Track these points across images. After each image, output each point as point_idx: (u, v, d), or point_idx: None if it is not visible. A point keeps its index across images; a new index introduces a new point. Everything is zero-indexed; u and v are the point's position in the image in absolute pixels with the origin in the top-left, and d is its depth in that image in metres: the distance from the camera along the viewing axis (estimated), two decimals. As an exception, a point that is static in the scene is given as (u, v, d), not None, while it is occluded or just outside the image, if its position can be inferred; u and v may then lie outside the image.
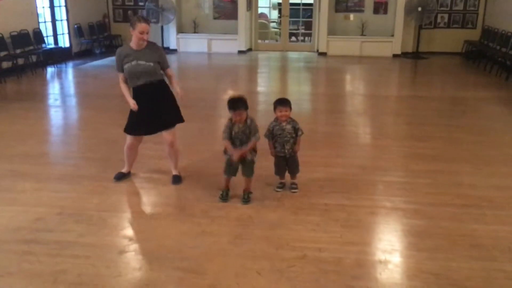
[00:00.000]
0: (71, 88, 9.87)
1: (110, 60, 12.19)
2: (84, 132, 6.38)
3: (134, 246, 3.40)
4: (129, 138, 4.44)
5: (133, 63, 4.16)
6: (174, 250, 3.33)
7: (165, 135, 4.43)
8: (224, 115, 7.45)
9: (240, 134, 3.96)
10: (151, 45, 4.30)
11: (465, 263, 3.17)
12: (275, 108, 4.20)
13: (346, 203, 4.06)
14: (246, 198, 4.08)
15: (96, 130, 6.28)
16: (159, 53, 4.33)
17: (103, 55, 13.14)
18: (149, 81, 4.21)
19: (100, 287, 2.93)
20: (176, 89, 4.40)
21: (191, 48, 14.14)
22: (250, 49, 14.54)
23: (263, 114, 7.59)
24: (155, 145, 5.17)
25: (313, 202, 4.06)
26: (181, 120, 4.52)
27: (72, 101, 8.65)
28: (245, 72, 12.04)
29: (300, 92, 9.44)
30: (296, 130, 4.20)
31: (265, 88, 9.99)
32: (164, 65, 4.37)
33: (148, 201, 4.22)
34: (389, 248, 3.37)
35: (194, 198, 4.18)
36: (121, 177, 4.54)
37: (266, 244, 3.41)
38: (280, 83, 10.80)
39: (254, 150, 4.03)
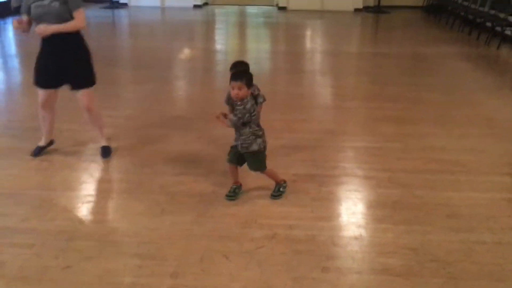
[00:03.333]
0: (12, 47, 9.05)
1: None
2: (26, 98, 5.79)
3: (85, 230, 3.03)
4: (39, 93, 3.89)
5: (36, 3, 3.54)
6: (130, 234, 2.99)
7: (78, 96, 3.86)
8: (180, 76, 7.02)
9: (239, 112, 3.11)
10: None
11: (443, 235, 3.00)
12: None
13: (316, 172, 3.81)
14: (276, 191, 3.42)
15: (40, 95, 5.71)
16: None
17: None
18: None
19: (46, 281, 2.58)
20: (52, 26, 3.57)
21: (143, 3, 13.29)
22: (206, 3, 13.83)
23: (222, 75, 7.19)
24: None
25: (281, 173, 3.76)
26: (92, 82, 3.87)
27: (14, 61, 7.91)
28: (201, 28, 11.44)
29: (259, 50, 9.02)
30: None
31: (223, 46, 9.50)
32: (72, 5, 3.59)
33: (100, 177, 3.80)
34: (364, 222, 3.16)
35: (151, 171, 3.81)
36: (38, 151, 4.04)
37: (232, 222, 3.12)
38: (238, 40, 10.32)
39: (258, 135, 3.24)
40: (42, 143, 4.08)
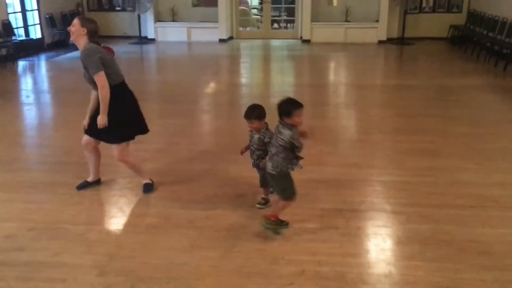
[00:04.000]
0: (44, 83, 9.39)
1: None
2: (59, 133, 5.98)
3: (115, 265, 3.07)
4: (83, 137, 4.03)
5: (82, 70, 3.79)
6: (160, 269, 3.02)
7: (112, 149, 3.94)
8: (206, 110, 7.14)
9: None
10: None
11: (475, 273, 2.93)
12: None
13: (343, 207, 3.79)
14: (264, 224, 3.34)
15: (72, 129, 5.84)
16: (81, 56, 3.68)
17: (78, 46, 12.60)
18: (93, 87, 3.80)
19: (77, 316, 2.62)
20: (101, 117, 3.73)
21: (170, 38, 13.69)
22: (231, 37, 14.13)
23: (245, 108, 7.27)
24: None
25: (309, 207, 3.78)
26: (114, 141, 3.88)
27: (46, 97, 8.19)
28: (227, 62, 11.66)
29: (284, 83, 9.13)
30: (264, 143, 3.51)
31: (248, 80, 9.66)
32: (91, 72, 3.62)
33: (130, 211, 3.86)
34: (393, 259, 3.12)
35: (179, 206, 3.86)
36: (84, 186, 4.14)
37: (260, 258, 3.12)
38: (263, 74, 10.47)
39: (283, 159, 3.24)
40: (90, 179, 4.20)
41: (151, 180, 4.18)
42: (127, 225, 3.66)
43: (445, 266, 3.00)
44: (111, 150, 3.96)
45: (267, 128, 3.58)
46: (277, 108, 3.25)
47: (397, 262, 3.09)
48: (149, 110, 6.96)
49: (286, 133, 3.17)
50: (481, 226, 3.48)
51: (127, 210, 3.87)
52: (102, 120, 3.73)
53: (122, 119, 3.83)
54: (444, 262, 3.04)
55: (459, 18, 12.90)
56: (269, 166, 3.29)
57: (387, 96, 7.78)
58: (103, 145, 4.06)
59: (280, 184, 3.34)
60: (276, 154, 3.24)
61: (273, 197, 3.65)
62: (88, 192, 4.12)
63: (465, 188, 4.09)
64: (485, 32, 11.17)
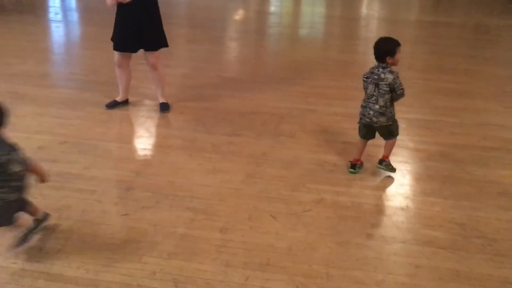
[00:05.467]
0: (72, 1, 9.31)
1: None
2: (87, 52, 6.03)
3: (142, 181, 3.21)
4: (115, 55, 4.10)
5: None
6: (184, 188, 3.14)
7: (148, 56, 4.09)
8: (234, 38, 7.05)
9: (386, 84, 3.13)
10: None
11: (492, 213, 2.98)
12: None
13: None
14: (384, 166, 3.36)
15: (100, 49, 5.91)
16: None
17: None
18: None
19: (105, 225, 2.77)
20: None
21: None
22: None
23: (275, 38, 7.18)
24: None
25: (331, 140, 3.82)
26: (165, 44, 4.15)
27: (74, 15, 8.17)
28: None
29: (314, 14, 8.88)
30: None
31: (278, 8, 9.39)
32: None
33: (156, 132, 3.98)
34: (412, 194, 3.18)
35: (205, 130, 3.94)
36: (113, 105, 4.25)
37: (281, 184, 3.22)
38: (294, 3, 10.16)
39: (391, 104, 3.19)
40: (118, 98, 4.29)
41: (167, 100, 4.32)
42: (154, 145, 3.78)
43: (462, 204, 3.05)
44: (145, 60, 4.08)
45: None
46: (377, 49, 3.11)
47: (415, 197, 3.15)
48: (176, 34, 6.94)
49: (389, 77, 3.10)
50: (503, 168, 3.48)
51: (154, 130, 3.97)
52: None
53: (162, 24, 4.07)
54: (462, 201, 3.09)
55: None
56: (382, 120, 3.18)
57: (421, 33, 7.54)
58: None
59: (393, 129, 3.28)
60: (385, 106, 3.14)
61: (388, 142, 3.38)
62: (117, 111, 4.22)
63: (491, 131, 4.06)
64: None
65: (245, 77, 5.23)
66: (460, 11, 9.12)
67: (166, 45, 4.16)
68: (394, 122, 3.28)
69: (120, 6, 3.85)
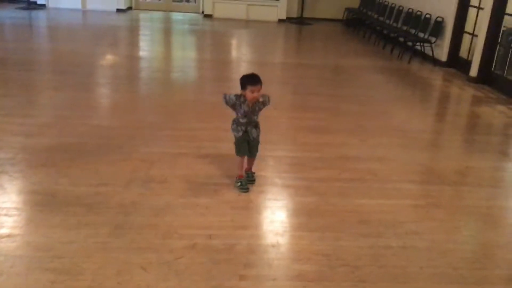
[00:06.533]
0: None
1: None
2: None
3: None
4: None
5: None
6: (43, 248, 2.88)
7: None
8: (101, 83, 6.83)
9: (250, 113, 3.62)
10: None
11: (354, 241, 3.18)
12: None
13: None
14: (252, 177, 3.86)
15: None
16: None
17: None
18: None
19: None
20: None
21: (62, 4, 12.80)
22: (130, 8, 13.58)
23: (145, 81, 7.13)
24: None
25: (202, 182, 3.82)
26: None
27: None
28: (125, 33, 11.21)
29: (185, 58, 9.03)
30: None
31: (148, 53, 9.37)
32: None
33: (11, 189, 3.63)
34: (281, 230, 3.27)
35: (68, 182, 3.70)
36: None
37: (152, 233, 3.11)
38: (164, 47, 10.23)
39: (258, 127, 3.75)
40: None
41: None
42: (9, 203, 3.43)
43: (327, 235, 3.21)
44: None
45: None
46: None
47: (285, 232, 3.25)
48: (37, 81, 6.53)
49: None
50: (361, 197, 3.77)
51: (9, 187, 3.62)
52: None
53: None
54: (326, 232, 3.26)
55: (354, 2, 13.55)
56: (255, 133, 3.72)
57: (285, 74, 8.03)
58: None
59: (258, 145, 3.79)
60: (257, 122, 3.72)
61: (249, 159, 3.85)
62: (-37, 168, 3.79)
63: (349, 163, 4.39)
64: (376, 16, 11.87)
65: (113, 123, 5.07)
66: (318, 54, 9.92)
67: None
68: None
69: None
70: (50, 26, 11.53)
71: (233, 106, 3.63)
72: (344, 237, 3.21)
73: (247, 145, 3.71)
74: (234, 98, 3.59)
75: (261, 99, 3.63)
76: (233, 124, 3.71)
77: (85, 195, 3.51)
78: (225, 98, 3.65)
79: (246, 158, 3.80)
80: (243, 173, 3.81)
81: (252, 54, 9.64)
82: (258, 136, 3.75)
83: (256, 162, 4.28)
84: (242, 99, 3.57)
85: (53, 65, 7.65)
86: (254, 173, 3.91)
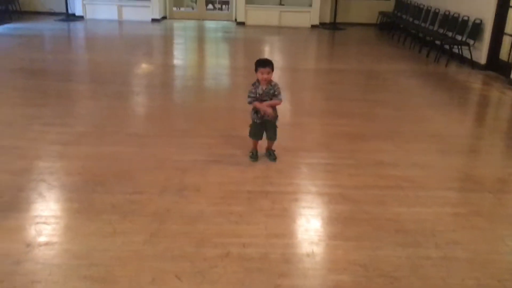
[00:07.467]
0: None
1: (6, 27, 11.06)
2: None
3: (33, 254, 2.94)
4: None
5: None
6: (80, 256, 2.93)
7: None
8: (138, 92, 6.95)
9: (264, 95, 4.08)
10: None
11: (391, 250, 3.09)
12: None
13: (270, 189, 3.85)
14: (273, 155, 4.33)
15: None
16: None
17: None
18: None
19: (-11, 308, 2.49)
20: None
21: (99, 15, 13.15)
22: (164, 17, 13.81)
23: (179, 89, 7.20)
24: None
25: (235, 190, 3.81)
26: None
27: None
28: (159, 42, 11.39)
29: (218, 66, 9.08)
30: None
31: (182, 61, 9.49)
32: None
33: (49, 197, 3.71)
34: (316, 239, 3.22)
35: (104, 190, 3.75)
36: None
37: (185, 241, 3.11)
38: (197, 56, 10.34)
39: (276, 115, 4.17)
40: None
41: None
42: (47, 211, 3.50)
43: (363, 244, 3.14)
44: None
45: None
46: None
47: (320, 241, 3.19)
48: (74, 91, 6.70)
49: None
50: (398, 206, 3.66)
51: (47, 195, 3.70)
52: None
53: None
54: (363, 241, 3.18)
55: (388, 5, 13.36)
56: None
57: (318, 80, 7.95)
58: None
59: (275, 129, 4.23)
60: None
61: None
62: (2, 176, 3.90)
63: (385, 170, 4.29)
64: (411, 19, 11.65)
65: (148, 132, 5.13)
66: (351, 59, 9.80)
67: None
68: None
69: None
70: (87, 37, 11.84)
71: (254, 97, 4.07)
72: (381, 246, 3.13)
73: (263, 130, 4.20)
74: (251, 87, 4.10)
75: (276, 87, 4.12)
76: (252, 110, 4.20)
77: (121, 203, 3.56)
78: (248, 98, 4.12)
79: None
80: (256, 146, 4.32)
81: (285, 61, 9.61)
82: (275, 119, 4.15)
83: (289, 169, 4.25)
84: (257, 83, 4.10)
85: (90, 75, 7.84)
86: (274, 150, 4.34)
